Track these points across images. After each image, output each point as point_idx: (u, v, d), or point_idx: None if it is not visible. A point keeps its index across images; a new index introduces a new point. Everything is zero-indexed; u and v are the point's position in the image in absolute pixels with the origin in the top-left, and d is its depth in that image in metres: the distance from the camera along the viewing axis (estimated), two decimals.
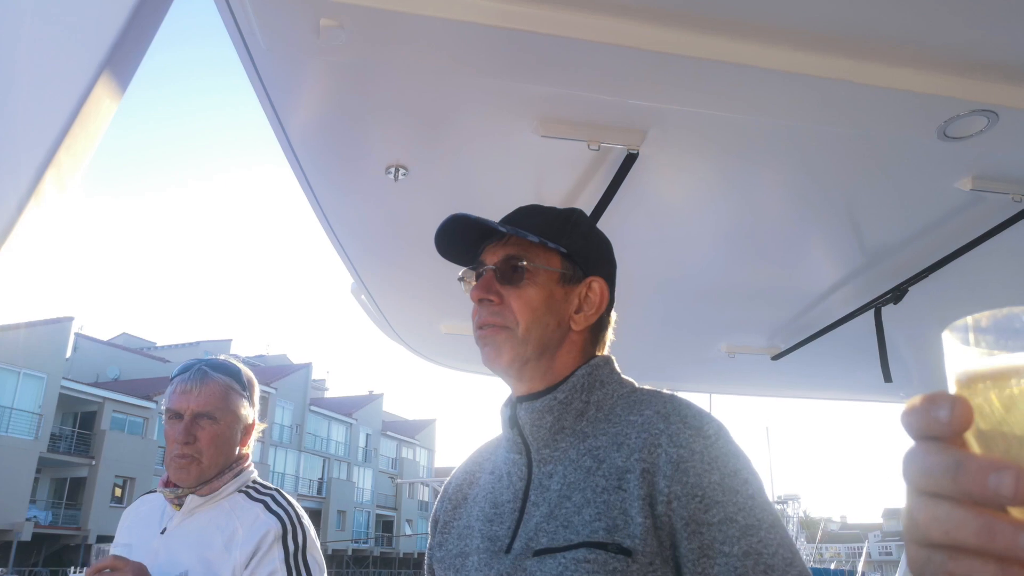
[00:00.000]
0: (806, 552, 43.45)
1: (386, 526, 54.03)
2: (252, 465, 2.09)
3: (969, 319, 0.47)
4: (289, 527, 1.91)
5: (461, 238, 1.31)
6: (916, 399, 0.46)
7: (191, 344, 50.45)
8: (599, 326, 1.31)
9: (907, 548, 0.47)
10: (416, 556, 53.38)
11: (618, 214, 2.17)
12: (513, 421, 1.26)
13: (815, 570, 32.40)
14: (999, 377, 0.45)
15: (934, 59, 1.62)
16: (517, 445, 1.24)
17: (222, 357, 2.11)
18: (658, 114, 1.81)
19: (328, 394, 59.07)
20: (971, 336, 0.47)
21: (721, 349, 3.66)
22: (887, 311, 2.86)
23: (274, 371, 46.60)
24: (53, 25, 1.03)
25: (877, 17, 1.51)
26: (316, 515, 44.89)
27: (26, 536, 29.03)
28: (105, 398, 33.99)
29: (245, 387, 2.07)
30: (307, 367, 48.34)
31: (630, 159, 1.93)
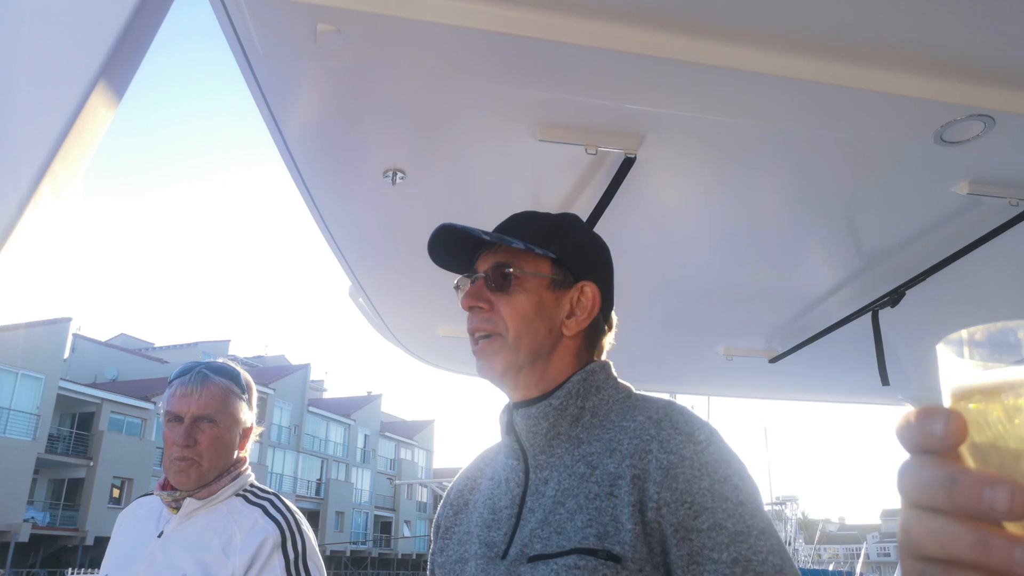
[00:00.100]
0: (804, 553, 43.45)
1: (384, 527, 53.98)
2: (249, 469, 2.09)
3: (964, 332, 0.47)
4: (288, 534, 1.91)
5: (455, 247, 1.31)
6: (910, 413, 0.46)
7: (189, 345, 50.44)
8: (594, 330, 1.31)
9: (902, 561, 0.47)
10: (415, 557, 53.37)
11: (616, 218, 2.17)
12: (510, 427, 1.26)
13: (814, 572, 32.39)
14: (993, 391, 0.45)
15: (931, 64, 1.62)
16: (515, 451, 1.25)
17: (221, 360, 2.11)
18: (655, 118, 1.81)
19: (326, 395, 59.06)
20: (966, 349, 0.47)
21: (719, 352, 3.66)
22: (884, 314, 2.86)
23: (272, 372, 46.59)
24: (49, 32, 1.03)
25: (874, 22, 1.52)
26: (314, 516, 44.87)
27: (24, 537, 28.99)
28: (103, 399, 33.96)
29: (244, 390, 2.07)
30: (305, 368, 48.32)
31: (628, 163, 1.94)
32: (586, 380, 1.24)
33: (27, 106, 0.99)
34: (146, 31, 1.07)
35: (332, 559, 43.96)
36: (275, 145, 1.95)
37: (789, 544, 37.46)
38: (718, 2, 1.46)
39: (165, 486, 1.98)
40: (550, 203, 2.23)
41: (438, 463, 62.91)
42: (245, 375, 2.11)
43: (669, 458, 1.06)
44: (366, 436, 52.86)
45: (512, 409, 1.27)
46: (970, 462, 0.45)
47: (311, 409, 47.58)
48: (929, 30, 1.54)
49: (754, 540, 0.99)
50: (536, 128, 1.84)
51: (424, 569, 1.43)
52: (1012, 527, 0.42)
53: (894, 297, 2.75)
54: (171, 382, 2.02)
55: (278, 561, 1.85)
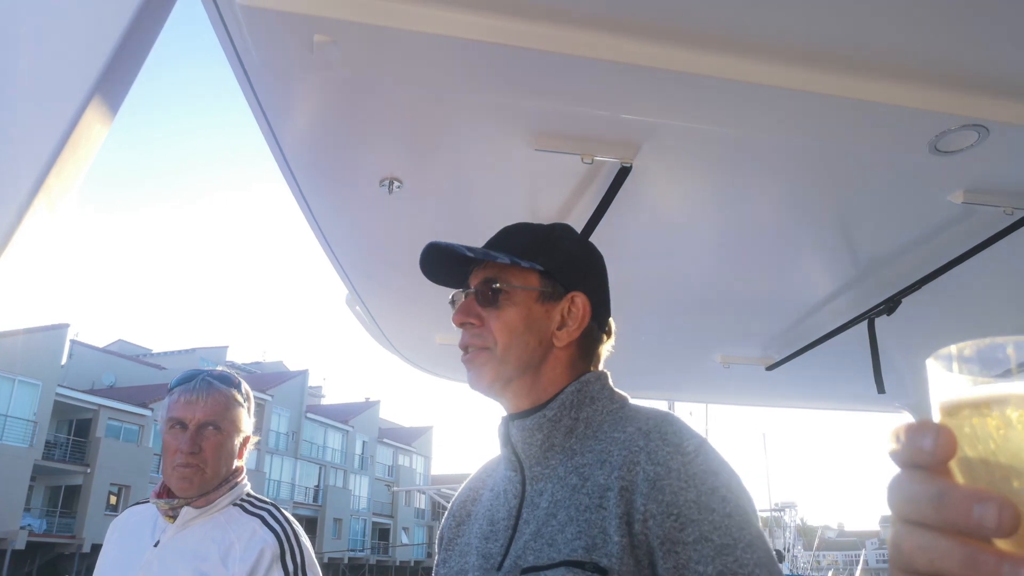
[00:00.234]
0: (803, 560, 43.35)
1: (382, 534, 53.81)
2: (246, 478, 2.09)
3: (953, 348, 0.48)
4: (287, 545, 1.91)
5: (446, 263, 1.32)
6: (900, 427, 0.46)
7: (187, 351, 50.31)
8: (588, 340, 1.31)
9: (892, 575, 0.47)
10: (412, 564, 53.18)
11: (612, 227, 2.18)
12: (507, 439, 1.26)
13: None
14: (983, 406, 0.45)
15: (925, 74, 1.63)
16: (512, 463, 1.25)
17: (221, 368, 2.12)
18: (651, 128, 1.82)
19: (324, 401, 58.95)
20: (955, 364, 0.47)
21: (716, 360, 3.66)
22: (880, 322, 2.87)
23: (270, 378, 46.51)
24: (44, 48, 1.03)
25: (868, 33, 1.53)
26: (312, 523, 44.73)
27: (20, 544, 28.83)
28: (100, 405, 33.84)
29: (245, 399, 2.09)
30: (303, 374, 48.22)
31: (624, 172, 1.94)
32: (580, 391, 1.24)
33: (22, 121, 0.99)
34: (141, 46, 1.07)
35: (330, 566, 43.78)
36: (272, 155, 1.95)
37: (788, 550, 37.42)
38: (713, 13, 1.47)
39: (162, 494, 1.98)
40: (546, 212, 2.24)
41: (436, 470, 62.86)
42: (244, 384, 2.12)
43: (656, 470, 1.05)
44: (364, 442, 52.73)
45: (508, 421, 1.27)
46: (960, 477, 0.46)
47: (309, 415, 47.46)
48: (923, 41, 1.55)
49: (740, 553, 0.98)
50: (532, 138, 1.85)
51: None
52: (1001, 543, 0.42)
53: (890, 305, 2.75)
54: (172, 389, 2.02)
55: (277, 573, 1.86)
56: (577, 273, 1.31)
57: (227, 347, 51.74)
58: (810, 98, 1.65)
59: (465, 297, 1.30)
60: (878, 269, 2.62)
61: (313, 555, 2.00)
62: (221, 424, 1.98)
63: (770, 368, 3.64)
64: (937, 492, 0.43)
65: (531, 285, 1.27)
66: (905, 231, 2.34)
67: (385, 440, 55.93)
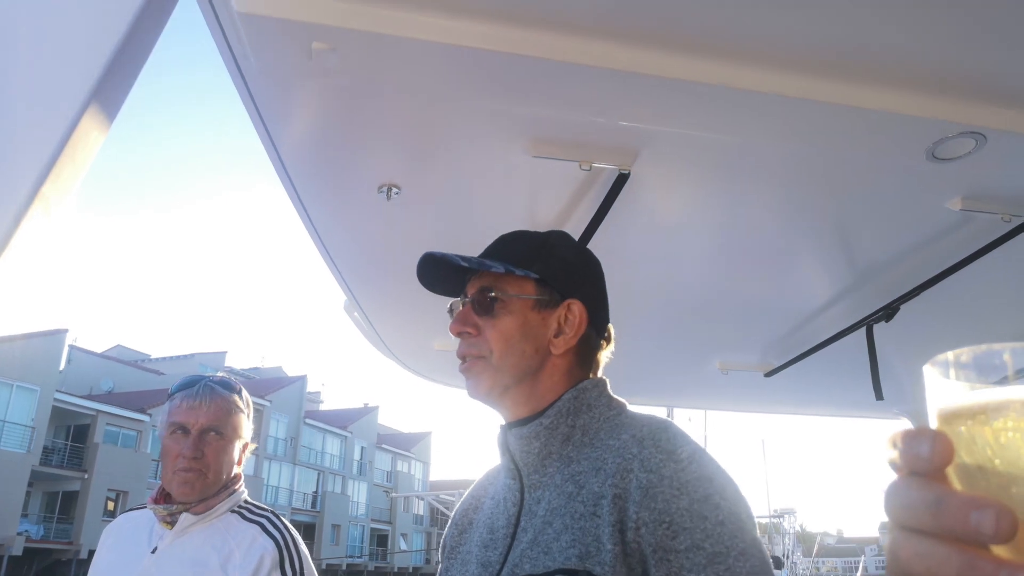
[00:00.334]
0: (803, 566, 43.26)
1: (381, 540, 53.65)
2: (243, 485, 2.08)
3: (950, 354, 0.48)
4: (286, 552, 1.91)
5: (443, 272, 1.32)
6: (897, 434, 0.46)
7: (186, 356, 50.32)
8: (586, 347, 1.31)
9: None
10: (411, 570, 53.01)
11: (610, 234, 2.18)
12: (505, 447, 1.26)
13: None
14: (979, 413, 0.45)
15: (922, 81, 1.64)
16: (511, 471, 1.25)
17: (220, 374, 2.13)
18: (649, 135, 1.82)
19: (323, 407, 58.88)
20: (952, 371, 0.47)
21: (715, 366, 3.66)
22: (879, 329, 2.87)
23: (269, 383, 46.42)
24: (42, 53, 1.03)
25: (866, 40, 1.53)
26: (310, 529, 44.60)
27: (17, 551, 28.75)
28: (98, 411, 33.77)
29: (246, 405, 2.09)
30: (302, 379, 48.14)
31: (622, 179, 1.94)
32: (577, 398, 1.24)
33: (20, 125, 0.99)
34: (139, 51, 1.07)
35: (328, 573, 43.63)
36: (270, 161, 1.95)
37: (787, 557, 37.34)
38: (711, 21, 1.47)
39: (159, 499, 1.98)
40: (544, 219, 2.24)
41: (435, 475, 62.73)
42: (244, 390, 2.13)
43: (649, 477, 1.05)
44: (363, 448, 52.62)
45: (506, 429, 1.27)
46: (957, 484, 0.46)
47: (308, 421, 47.38)
48: (921, 48, 1.55)
49: (732, 561, 0.97)
50: (530, 144, 1.85)
51: None
52: (999, 550, 0.42)
53: (888, 312, 2.76)
54: (174, 394, 2.03)
55: None
56: (573, 280, 1.31)
57: (226, 352, 51.72)
58: (808, 105, 1.65)
59: (462, 306, 1.30)
60: (876, 276, 2.63)
61: (311, 562, 2.00)
62: (223, 430, 1.98)
63: (769, 374, 3.64)
64: (935, 498, 0.43)
65: (527, 293, 1.27)
66: (903, 238, 2.34)
67: (384, 446, 55.82)
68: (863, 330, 2.90)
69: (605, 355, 1.36)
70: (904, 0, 1.41)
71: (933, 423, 0.48)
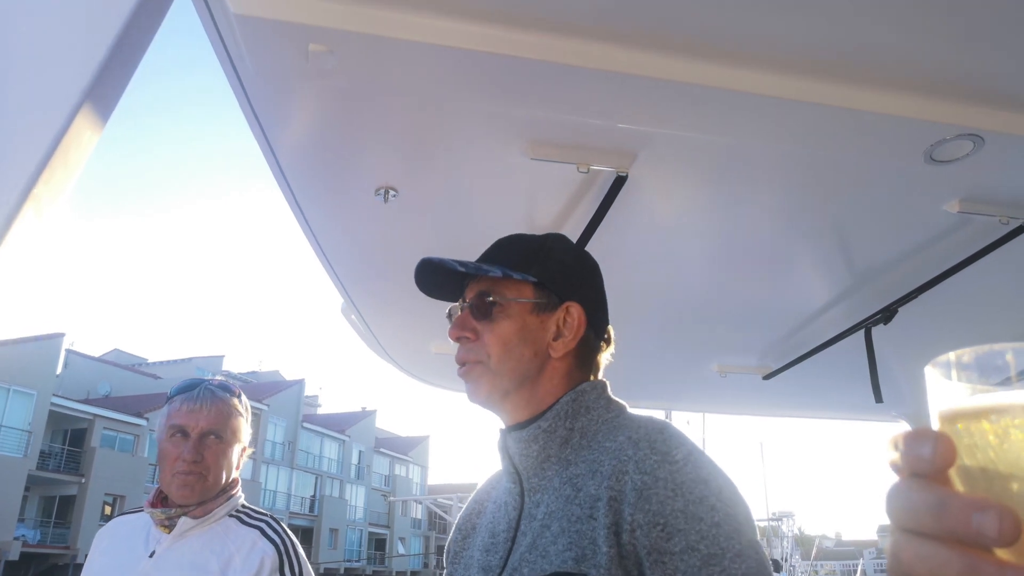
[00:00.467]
0: (801, 570, 43.22)
1: (379, 544, 53.58)
2: (240, 489, 2.08)
3: (952, 355, 0.47)
4: (286, 556, 1.92)
5: (441, 277, 1.32)
6: (898, 435, 0.46)
7: (183, 360, 50.28)
8: (585, 349, 1.30)
9: None
10: (408, 575, 52.93)
11: (608, 236, 2.17)
12: (505, 451, 1.26)
13: None
14: (981, 414, 0.45)
15: (920, 84, 1.64)
16: (511, 475, 1.25)
17: (219, 377, 2.12)
18: (647, 137, 1.82)
19: (321, 410, 58.85)
20: (954, 372, 0.47)
21: (713, 369, 3.66)
22: (877, 331, 2.87)
23: (266, 387, 46.40)
24: (34, 53, 1.03)
25: (863, 42, 1.53)
26: (308, 533, 44.55)
27: (14, 555, 28.69)
28: (95, 415, 33.74)
29: (245, 409, 2.09)
30: (300, 383, 48.12)
31: (620, 181, 1.94)
32: (575, 401, 1.23)
33: (11, 126, 0.98)
34: (134, 52, 1.07)
35: None
36: (267, 163, 1.95)
37: (786, 560, 37.31)
38: (709, 23, 1.47)
39: (156, 503, 1.97)
40: (542, 221, 2.23)
41: (433, 479, 62.67)
42: (243, 395, 2.13)
43: (643, 479, 1.04)
44: (360, 452, 52.58)
45: (506, 433, 1.27)
46: (959, 486, 0.45)
47: (305, 425, 47.35)
48: (918, 50, 1.55)
49: (728, 563, 0.97)
50: (528, 147, 1.84)
51: None
52: (1002, 553, 0.42)
53: (886, 314, 2.76)
54: (173, 397, 2.02)
55: None
56: (571, 283, 1.31)
57: (223, 356, 51.80)
58: (806, 108, 1.65)
59: (460, 311, 1.30)
60: (874, 278, 2.63)
61: (310, 567, 1.99)
62: (223, 434, 1.98)
63: (767, 377, 3.64)
64: (937, 501, 0.42)
65: (525, 297, 1.26)
66: (901, 240, 2.34)
67: (382, 450, 55.79)
68: (861, 333, 2.90)
69: (605, 357, 1.35)
70: (902, 2, 1.41)
71: (935, 424, 0.48)
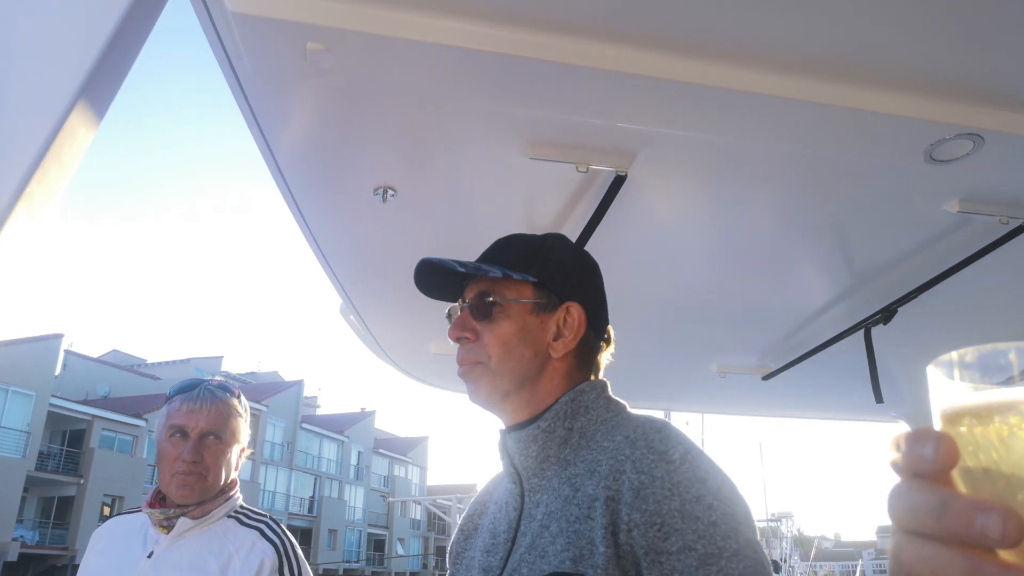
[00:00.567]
0: (800, 570, 43.23)
1: (378, 545, 53.58)
2: (238, 490, 2.08)
3: (954, 354, 0.47)
4: (285, 557, 1.92)
5: (440, 277, 1.31)
6: (900, 436, 0.45)
7: (182, 361, 50.25)
8: (585, 349, 1.30)
9: None
10: (407, 575, 52.92)
11: (607, 236, 2.17)
12: (505, 451, 1.26)
13: None
14: (985, 413, 0.45)
15: (920, 83, 1.63)
16: (512, 475, 1.25)
17: (218, 378, 2.12)
18: (647, 137, 1.82)
19: (320, 411, 58.89)
20: (956, 371, 0.47)
21: (712, 369, 3.66)
22: (877, 332, 2.86)
23: (265, 388, 46.43)
24: (28, 51, 1.02)
25: (863, 42, 1.53)
26: (307, 534, 44.54)
27: (12, 556, 28.68)
28: (94, 416, 33.73)
29: (245, 410, 2.09)
30: (299, 384, 48.12)
31: (619, 181, 1.94)
32: (574, 401, 1.23)
33: (4, 124, 0.98)
34: (129, 49, 1.06)
35: None
36: (265, 163, 1.94)
37: (785, 561, 37.31)
38: (709, 23, 1.47)
39: (154, 504, 1.96)
40: (542, 221, 2.23)
41: (432, 480, 62.71)
42: (243, 395, 2.13)
43: (640, 478, 1.04)
44: (359, 453, 52.58)
45: (505, 434, 1.26)
46: (961, 487, 0.45)
47: (304, 426, 47.35)
48: (918, 50, 1.55)
49: (725, 563, 0.96)
50: (527, 146, 1.84)
51: None
52: (1005, 554, 0.41)
53: (886, 314, 2.75)
54: (172, 397, 2.02)
55: None
56: (571, 283, 1.30)
57: (222, 357, 51.81)
58: (806, 107, 1.65)
59: (460, 311, 1.29)
60: (874, 278, 2.62)
61: (309, 568, 1.99)
62: (222, 434, 1.98)
63: (766, 378, 3.63)
64: (939, 501, 0.42)
65: (525, 297, 1.26)
66: (901, 240, 2.34)
67: (381, 451, 55.79)
68: (861, 333, 2.90)
69: (605, 357, 1.35)
70: (902, 2, 1.41)
71: (937, 424, 0.47)
